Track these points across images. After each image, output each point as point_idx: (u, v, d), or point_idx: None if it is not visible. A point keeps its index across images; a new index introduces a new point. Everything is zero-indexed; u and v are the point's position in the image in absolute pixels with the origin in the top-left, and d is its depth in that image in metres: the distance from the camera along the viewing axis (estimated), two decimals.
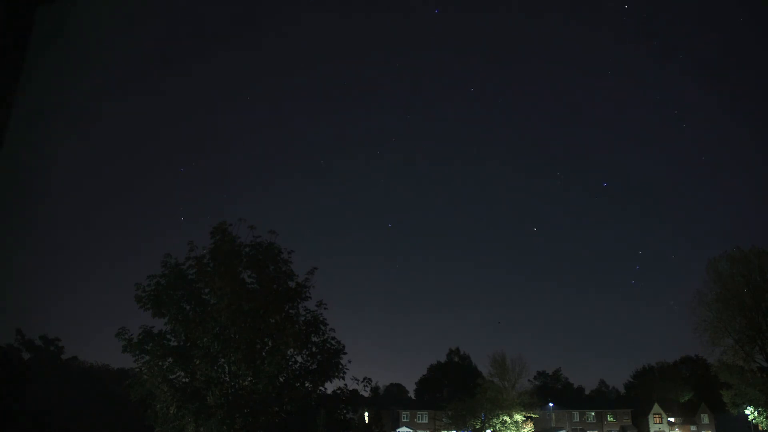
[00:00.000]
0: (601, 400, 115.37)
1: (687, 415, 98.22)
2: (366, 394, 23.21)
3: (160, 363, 17.91)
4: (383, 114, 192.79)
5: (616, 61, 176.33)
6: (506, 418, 79.94)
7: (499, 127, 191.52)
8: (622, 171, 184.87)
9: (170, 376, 18.00)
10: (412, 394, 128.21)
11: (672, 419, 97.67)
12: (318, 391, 19.42)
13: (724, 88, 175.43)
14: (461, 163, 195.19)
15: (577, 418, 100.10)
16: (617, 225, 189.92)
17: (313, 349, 19.48)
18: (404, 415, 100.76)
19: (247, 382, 18.26)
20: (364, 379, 20.79)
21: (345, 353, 19.87)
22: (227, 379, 18.21)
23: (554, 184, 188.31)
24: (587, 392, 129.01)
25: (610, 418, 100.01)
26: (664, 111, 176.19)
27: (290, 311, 19.46)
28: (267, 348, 18.69)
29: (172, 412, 17.23)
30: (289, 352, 18.78)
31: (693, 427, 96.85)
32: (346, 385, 19.92)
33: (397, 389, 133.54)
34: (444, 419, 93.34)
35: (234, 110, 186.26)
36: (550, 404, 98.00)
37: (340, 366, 19.56)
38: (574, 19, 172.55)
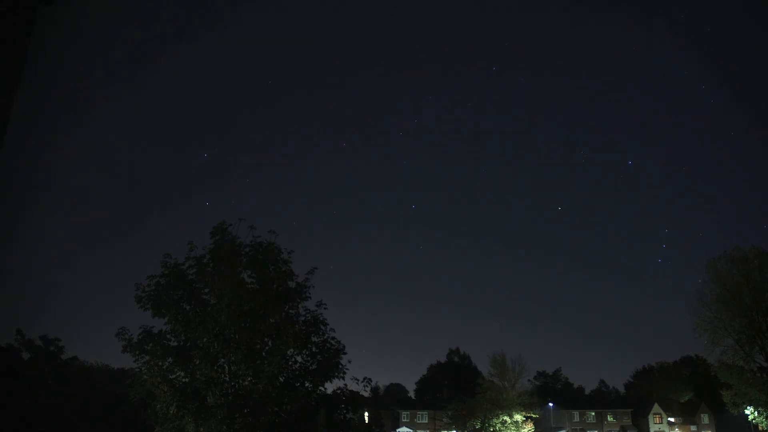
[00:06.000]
0: (601, 400, 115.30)
1: (687, 415, 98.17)
2: (366, 394, 23.19)
3: (160, 363, 17.91)
4: (404, 95, 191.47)
5: (638, 42, 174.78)
6: (506, 418, 79.87)
7: (519, 109, 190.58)
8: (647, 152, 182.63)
9: (170, 376, 17.99)
10: (412, 394, 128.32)
11: (672, 419, 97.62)
12: (318, 391, 19.38)
13: (729, 84, 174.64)
14: (480, 148, 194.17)
15: (577, 418, 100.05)
16: (635, 213, 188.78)
17: (313, 349, 19.46)
18: (404, 415, 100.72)
19: (247, 382, 18.25)
20: (364, 379, 20.80)
21: (345, 353, 19.85)
22: (227, 379, 18.20)
23: (578, 163, 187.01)
24: (587, 392, 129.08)
25: (610, 418, 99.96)
26: (691, 89, 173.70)
27: (290, 311, 19.46)
28: (267, 348, 18.68)
29: (172, 412, 17.21)
30: (289, 352, 18.76)
31: (693, 427, 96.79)
32: (346, 385, 19.91)
33: (397, 389, 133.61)
34: (444, 419, 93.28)
35: (250, 97, 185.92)
36: (550, 404, 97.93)
37: (340, 366, 19.52)
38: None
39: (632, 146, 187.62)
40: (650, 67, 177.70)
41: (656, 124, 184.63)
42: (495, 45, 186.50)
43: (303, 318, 19.59)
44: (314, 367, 19.30)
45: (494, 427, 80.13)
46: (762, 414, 50.02)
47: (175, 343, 18.42)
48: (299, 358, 19.28)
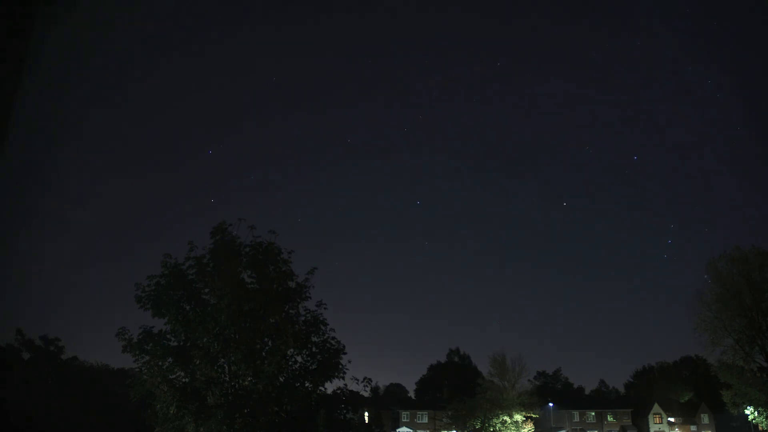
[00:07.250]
0: (601, 400, 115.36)
1: (687, 415, 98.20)
2: (366, 394, 23.26)
3: (160, 363, 17.93)
4: (408, 92, 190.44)
5: (643, 37, 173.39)
6: (506, 418, 79.90)
7: (523, 104, 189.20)
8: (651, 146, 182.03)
9: (170, 376, 18.01)
10: (412, 394, 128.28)
11: (672, 419, 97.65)
12: (318, 391, 19.42)
13: (735, 82, 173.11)
14: (484, 144, 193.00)
15: (577, 418, 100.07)
16: (640, 209, 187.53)
17: (313, 349, 19.49)
18: (404, 415, 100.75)
19: (247, 382, 18.28)
20: (364, 379, 20.85)
21: (345, 353, 19.89)
22: (227, 379, 18.22)
23: (584, 156, 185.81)
24: (587, 392, 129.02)
25: (610, 418, 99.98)
26: (697, 85, 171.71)
27: (290, 311, 19.47)
28: (267, 348, 18.70)
29: (172, 412, 17.23)
30: (289, 352, 18.79)
31: (693, 427, 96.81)
32: (346, 385, 19.96)
33: (397, 389, 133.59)
34: (444, 419, 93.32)
35: (255, 93, 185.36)
36: (550, 404, 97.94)
37: (340, 366, 19.56)
38: None
39: (638, 141, 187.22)
40: (656, 63, 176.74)
41: (662, 119, 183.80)
42: (498, 41, 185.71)
43: (303, 318, 19.61)
44: (314, 367, 19.33)
45: (494, 427, 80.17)
46: (762, 414, 50.03)
47: (175, 343, 18.44)
48: (299, 358, 19.32)
